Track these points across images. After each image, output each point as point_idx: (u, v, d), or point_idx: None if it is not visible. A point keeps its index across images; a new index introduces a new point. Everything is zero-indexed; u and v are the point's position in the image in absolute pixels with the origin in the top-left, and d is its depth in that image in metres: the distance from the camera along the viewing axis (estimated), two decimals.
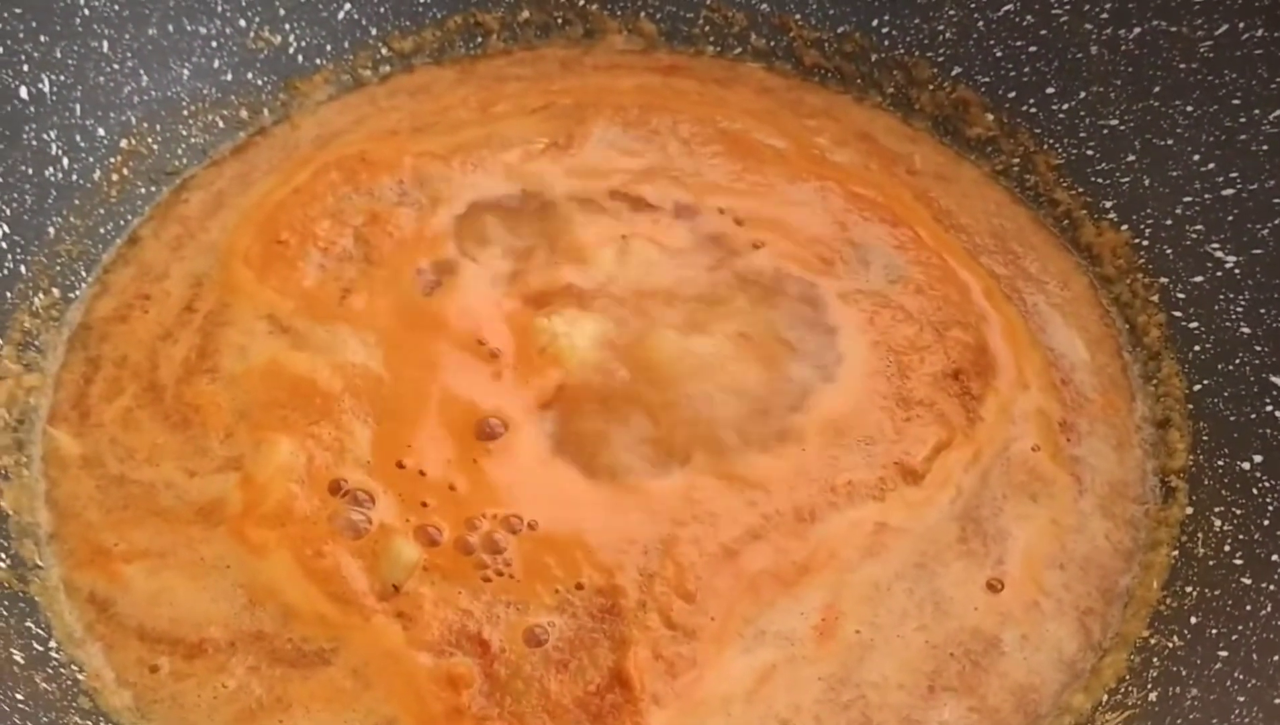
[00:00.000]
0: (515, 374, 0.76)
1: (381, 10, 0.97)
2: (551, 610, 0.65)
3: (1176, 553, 0.71)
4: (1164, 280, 0.81)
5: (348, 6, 0.96)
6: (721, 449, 0.72)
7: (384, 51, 0.98)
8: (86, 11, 0.85)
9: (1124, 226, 0.84)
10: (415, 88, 0.99)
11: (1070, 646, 0.68)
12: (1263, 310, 0.74)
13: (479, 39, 1.00)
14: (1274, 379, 0.71)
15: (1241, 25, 0.78)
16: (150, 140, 0.89)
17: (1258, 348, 0.74)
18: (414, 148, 0.91)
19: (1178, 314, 0.79)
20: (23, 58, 0.81)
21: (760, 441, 0.72)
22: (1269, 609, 0.62)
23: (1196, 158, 0.80)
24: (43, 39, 0.82)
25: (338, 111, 0.97)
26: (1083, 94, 0.86)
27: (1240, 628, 0.62)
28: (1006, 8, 0.89)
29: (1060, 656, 0.68)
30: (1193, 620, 0.66)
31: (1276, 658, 0.59)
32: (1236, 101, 0.78)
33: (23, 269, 0.81)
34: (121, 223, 0.87)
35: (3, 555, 0.69)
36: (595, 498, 0.70)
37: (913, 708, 0.65)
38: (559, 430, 0.73)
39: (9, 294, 0.80)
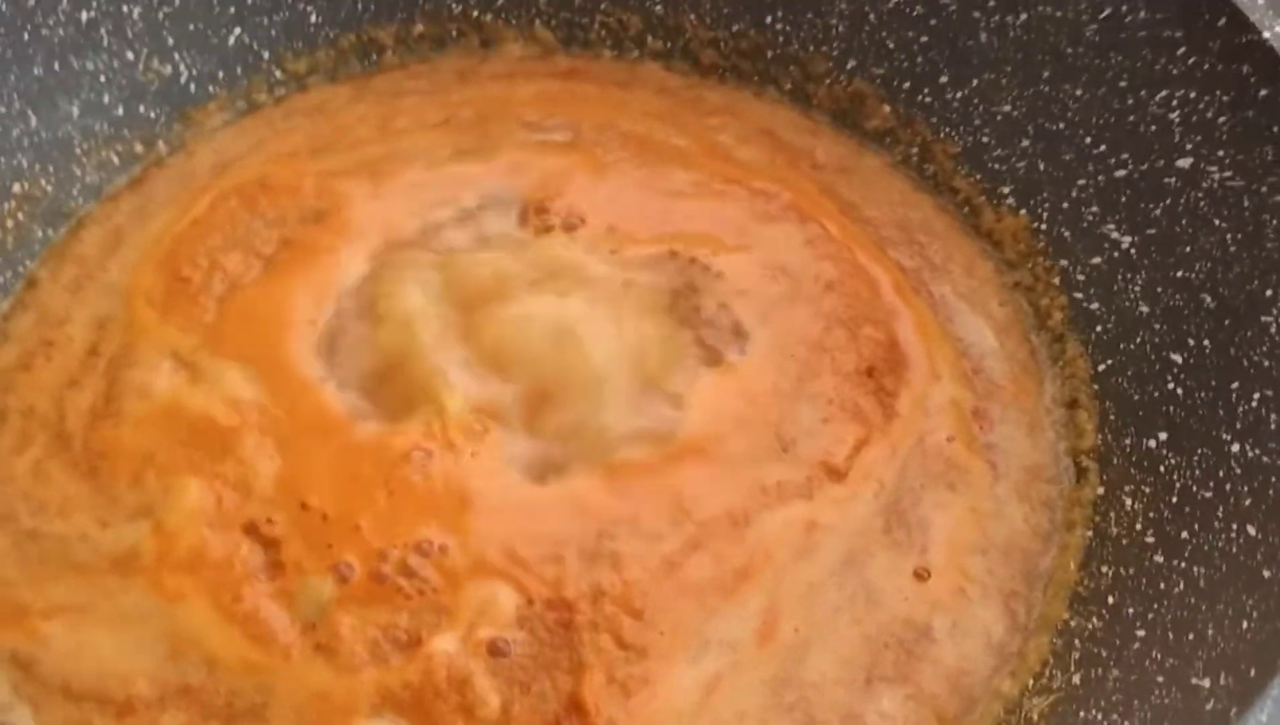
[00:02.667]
0: None
1: (273, 33, 0.96)
2: (508, 626, 0.65)
3: (1091, 533, 0.73)
4: (1064, 262, 0.83)
5: (238, 31, 0.94)
6: (632, 453, 0.72)
7: (278, 74, 0.97)
8: None
9: (1022, 211, 0.86)
10: (311, 108, 0.97)
11: (998, 630, 0.70)
12: (1159, 289, 0.76)
13: (373, 55, 0.99)
14: (1174, 356, 0.74)
15: (1124, 8, 0.79)
16: (44, 182, 0.87)
17: (1156, 326, 0.76)
18: (314, 168, 0.89)
19: (1079, 296, 0.81)
20: None
21: (680, 444, 0.73)
22: (1182, 587, 0.64)
23: (1088, 140, 0.82)
24: None
25: (234, 137, 0.95)
26: (975, 82, 0.88)
27: (1156, 606, 0.64)
28: (896, 0, 0.90)
29: (989, 641, 0.70)
30: (1110, 600, 0.68)
31: (1192, 636, 0.60)
32: (1123, 84, 0.79)
33: None
34: (19, 269, 0.85)
35: None
36: (516, 508, 0.69)
37: (852, 702, 0.66)
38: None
39: None
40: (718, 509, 0.70)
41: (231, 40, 0.95)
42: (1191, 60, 0.76)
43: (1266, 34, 0.71)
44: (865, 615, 0.69)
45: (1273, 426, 0.65)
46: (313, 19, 0.97)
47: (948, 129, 0.90)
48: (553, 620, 0.65)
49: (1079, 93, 0.82)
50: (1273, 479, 0.63)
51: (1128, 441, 0.74)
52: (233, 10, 0.94)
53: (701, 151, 0.92)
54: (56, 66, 0.87)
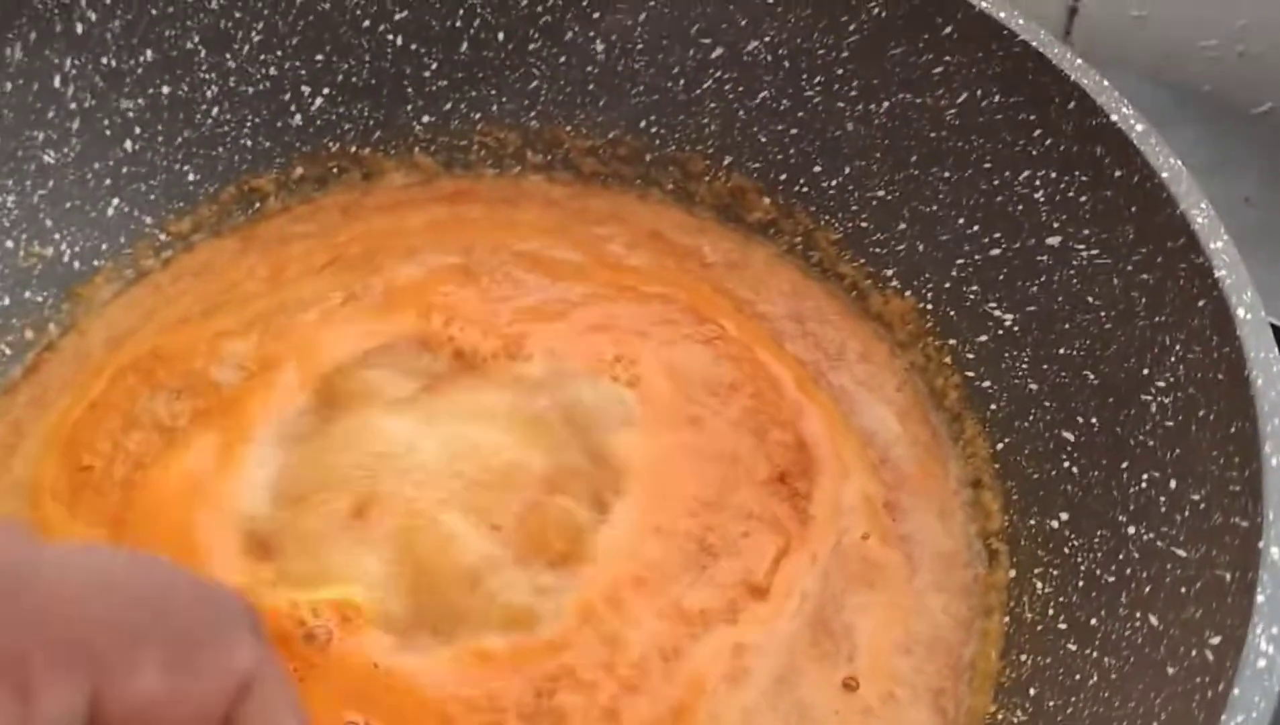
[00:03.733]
0: None
1: (151, 197, 0.95)
2: None
3: (1008, 619, 0.74)
4: (952, 342, 0.85)
5: (116, 202, 0.94)
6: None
7: (162, 237, 0.96)
8: None
9: (908, 292, 0.87)
10: (199, 267, 0.97)
11: None
12: (1045, 366, 0.78)
13: (256, 203, 0.99)
14: (1066, 434, 0.76)
15: (979, 93, 0.81)
16: None
17: (1046, 403, 0.78)
18: (207, 332, 0.89)
19: (970, 374, 0.83)
20: None
21: (590, 578, 0.73)
22: (1095, 678, 0.65)
23: (961, 221, 0.84)
24: None
25: (124, 308, 0.95)
26: (847, 169, 0.90)
27: (1074, 699, 0.66)
28: (762, 95, 0.92)
29: None
30: (1031, 692, 0.70)
31: None
32: (988, 165, 0.82)
33: None
34: None
35: None
36: (437, 673, 0.70)
37: None
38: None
39: None
40: (648, 647, 0.71)
41: (110, 211, 0.94)
42: (1049, 141, 0.78)
43: (1114, 116, 0.73)
44: None
45: (1162, 510, 0.67)
46: (190, 177, 0.97)
47: (827, 216, 0.92)
48: None
49: (947, 175, 0.85)
50: (1168, 565, 0.64)
51: (1032, 522, 0.76)
52: (109, 182, 0.94)
53: (593, 262, 0.94)
54: None
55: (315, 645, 0.70)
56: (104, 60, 0.92)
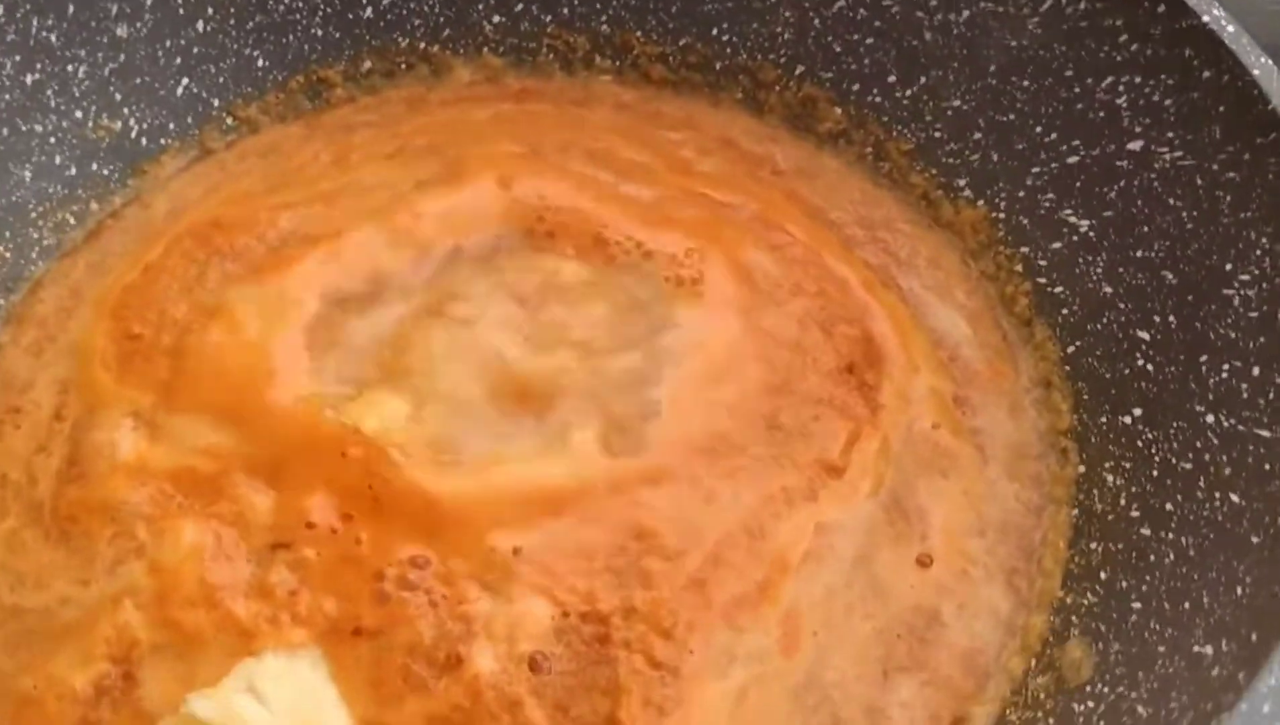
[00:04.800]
0: None
1: (221, 80, 0.95)
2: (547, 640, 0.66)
3: (1077, 511, 0.75)
4: (1025, 250, 0.85)
5: (185, 81, 0.94)
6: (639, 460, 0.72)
7: (229, 121, 0.96)
8: None
9: (980, 202, 0.88)
10: (264, 149, 0.97)
11: (1004, 606, 0.72)
12: (1121, 269, 0.79)
13: (322, 93, 0.99)
14: (1140, 334, 0.76)
15: (1064, 0, 0.81)
16: (1, 249, 0.86)
17: (1120, 306, 0.78)
18: (269, 204, 0.88)
19: (1042, 281, 0.84)
20: None
21: (667, 451, 0.73)
22: (1172, 557, 0.66)
23: (1039, 130, 0.84)
24: None
25: (188, 183, 0.95)
26: (923, 79, 0.90)
27: (1148, 578, 0.67)
28: (839, 4, 0.92)
29: (998, 618, 0.72)
30: (1102, 575, 0.70)
31: (1188, 605, 0.63)
32: (1069, 73, 0.82)
33: None
34: None
35: None
36: (529, 514, 0.70)
37: (873, 695, 0.68)
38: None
39: None
40: (732, 523, 0.71)
41: (180, 91, 0.94)
42: (1134, 47, 0.78)
43: (1205, 17, 0.74)
44: (876, 610, 0.70)
45: (1244, 396, 0.67)
46: (259, 63, 0.97)
47: (900, 127, 0.92)
48: (589, 634, 0.66)
49: (1026, 84, 0.85)
50: (1250, 447, 0.65)
51: (1103, 420, 0.77)
52: (179, 61, 0.93)
53: (665, 166, 0.93)
54: (5, 131, 0.86)
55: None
56: None
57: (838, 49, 0.94)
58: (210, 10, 0.94)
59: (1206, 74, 0.74)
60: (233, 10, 0.95)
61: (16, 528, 0.75)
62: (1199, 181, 0.74)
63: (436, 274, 0.84)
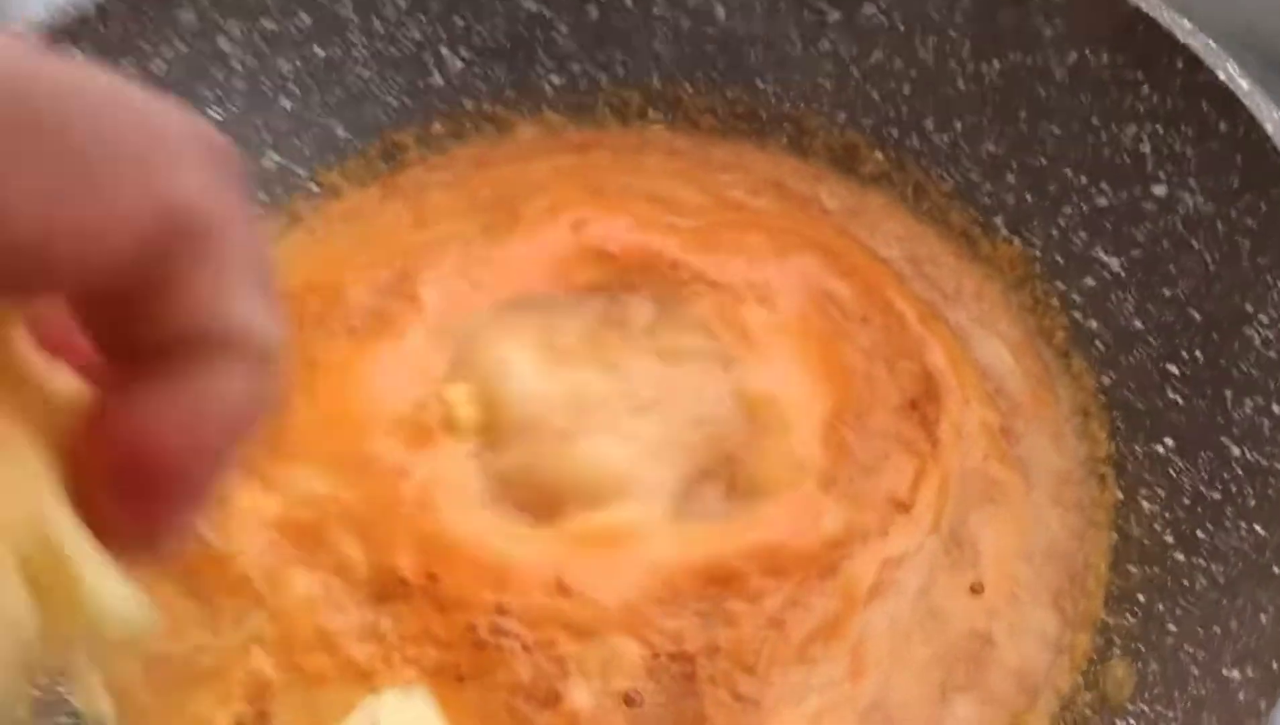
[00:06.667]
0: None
1: (305, 152, 1.03)
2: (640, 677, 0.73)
3: (1116, 535, 0.82)
4: (1060, 285, 0.91)
5: (272, 155, 1.02)
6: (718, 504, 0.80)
7: (314, 188, 1.04)
8: None
9: (1016, 240, 0.94)
10: (347, 213, 1.05)
11: (1051, 626, 0.79)
12: (1149, 305, 0.85)
13: (397, 156, 1.07)
14: (1170, 367, 0.82)
15: (1088, 52, 0.87)
16: None
17: (1150, 340, 0.84)
18: (356, 264, 0.96)
19: (1077, 315, 0.90)
20: None
21: (748, 492, 0.80)
22: (1204, 582, 0.73)
23: (1069, 172, 0.90)
24: None
25: (280, 250, 1.02)
26: (958, 125, 0.96)
27: (1182, 602, 0.73)
28: (877, 56, 0.98)
29: (1045, 636, 0.79)
30: (1140, 598, 0.77)
31: (1218, 629, 0.69)
32: (1095, 121, 0.88)
33: None
34: None
35: None
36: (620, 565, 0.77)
37: (933, 714, 0.76)
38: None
39: None
40: (808, 564, 0.77)
41: (268, 164, 1.02)
42: (1155, 98, 0.84)
43: (1220, 74, 0.79)
44: (934, 635, 0.77)
45: (1266, 431, 0.74)
46: (339, 132, 1.04)
47: (937, 169, 0.98)
48: (677, 672, 0.74)
49: (1055, 130, 0.91)
50: (1272, 480, 0.72)
51: (1138, 448, 0.83)
52: (267, 137, 1.01)
53: (717, 204, 0.99)
54: None
55: None
56: (264, 23, 0.99)
57: (876, 97, 1.00)
58: (294, 88, 1.01)
59: (1223, 126, 0.80)
60: (314, 86, 1.02)
61: (154, 583, 0.83)
62: (1219, 226, 0.80)
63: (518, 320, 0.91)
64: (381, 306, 0.93)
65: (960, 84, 0.95)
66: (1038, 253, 0.93)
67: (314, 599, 0.79)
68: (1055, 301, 0.92)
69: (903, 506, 0.80)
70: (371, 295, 0.94)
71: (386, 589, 0.78)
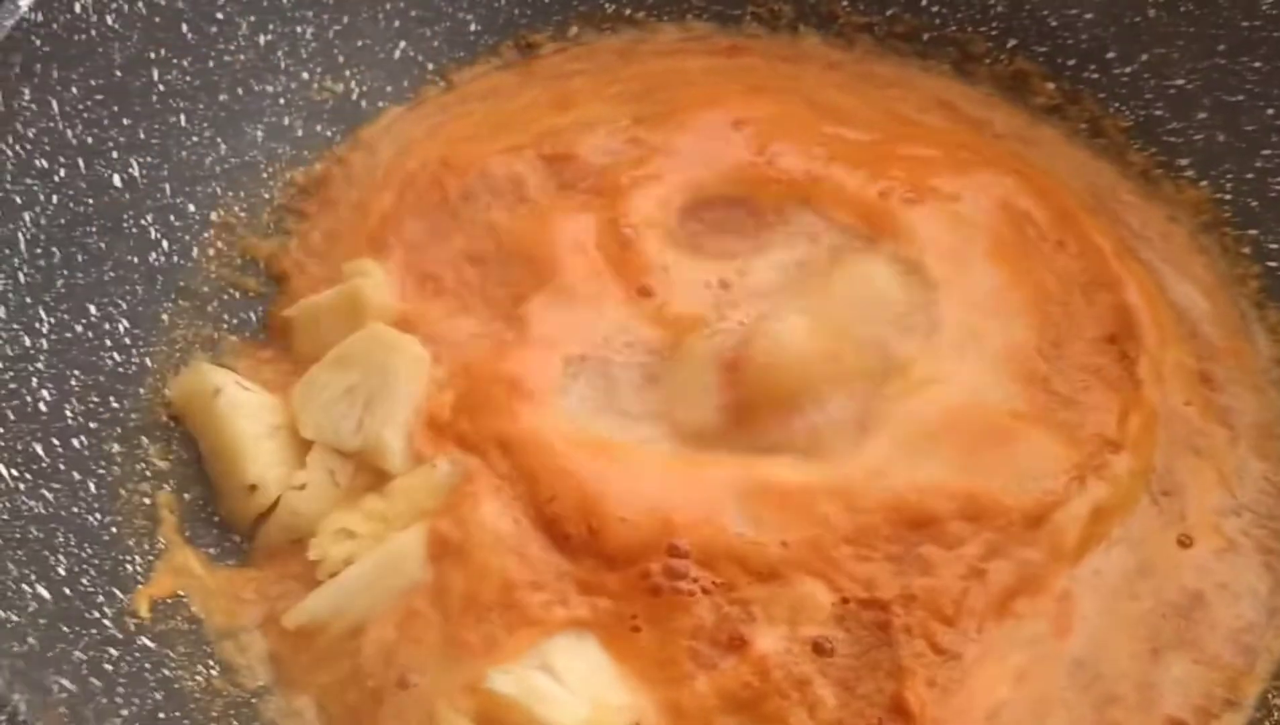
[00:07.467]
0: None
1: (435, 45, 0.96)
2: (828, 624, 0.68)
3: None
4: (1253, 232, 0.85)
5: (402, 44, 0.95)
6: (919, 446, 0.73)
7: (442, 84, 0.98)
8: (161, 87, 0.83)
9: (1203, 183, 0.88)
10: (484, 93, 0.98)
11: (1263, 587, 0.74)
12: None
13: (531, 51, 1.00)
14: None
15: None
16: (236, 209, 0.88)
17: None
18: (495, 147, 0.89)
19: (1273, 265, 0.84)
20: (110, 145, 0.80)
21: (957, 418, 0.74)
22: None
23: (1270, 111, 0.84)
24: (125, 122, 0.81)
25: (413, 123, 0.96)
26: (1145, 57, 0.90)
27: None
28: None
29: (1257, 598, 0.73)
30: None
31: None
32: None
33: (148, 361, 0.81)
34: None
35: None
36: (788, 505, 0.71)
37: (1144, 672, 0.70)
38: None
39: (141, 391, 0.80)
40: (1014, 511, 0.71)
41: (397, 53, 0.96)
42: None
43: None
44: (1143, 590, 0.72)
45: None
46: (472, 27, 0.98)
47: (1117, 104, 0.92)
48: (869, 620, 0.68)
49: (1257, 64, 0.85)
50: None
51: None
52: (398, 24, 0.95)
53: (886, 118, 0.93)
54: (240, 91, 0.88)
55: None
56: None
57: (1053, 23, 0.94)
58: None
59: None
60: None
61: None
62: None
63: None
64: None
65: (1151, 11, 0.90)
66: (1228, 197, 0.87)
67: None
68: (1247, 249, 0.86)
69: (1113, 445, 0.74)
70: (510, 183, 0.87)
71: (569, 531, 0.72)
